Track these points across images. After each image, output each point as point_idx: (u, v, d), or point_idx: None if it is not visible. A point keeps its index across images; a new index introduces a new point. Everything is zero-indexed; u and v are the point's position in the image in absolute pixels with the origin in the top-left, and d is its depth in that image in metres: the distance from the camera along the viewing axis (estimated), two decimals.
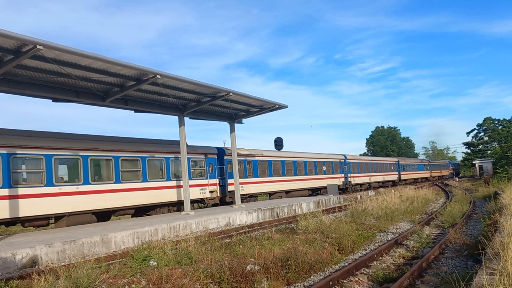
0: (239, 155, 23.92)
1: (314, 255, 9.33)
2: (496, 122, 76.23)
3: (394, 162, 50.45)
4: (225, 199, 23.75)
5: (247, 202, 24.70)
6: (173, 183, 20.24)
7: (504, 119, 75.13)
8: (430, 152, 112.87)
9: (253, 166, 26.08)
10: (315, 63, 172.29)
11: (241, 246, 10.17)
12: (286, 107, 20.49)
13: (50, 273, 7.22)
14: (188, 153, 19.55)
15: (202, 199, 22.35)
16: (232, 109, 19.48)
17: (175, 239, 12.29)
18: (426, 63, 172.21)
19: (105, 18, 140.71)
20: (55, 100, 14.55)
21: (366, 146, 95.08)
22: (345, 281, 7.87)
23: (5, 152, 13.92)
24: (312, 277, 8.39)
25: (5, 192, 13.80)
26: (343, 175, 36.08)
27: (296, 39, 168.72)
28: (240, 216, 17.64)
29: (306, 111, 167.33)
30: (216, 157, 23.70)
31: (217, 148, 24.32)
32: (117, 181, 17.48)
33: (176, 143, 19.82)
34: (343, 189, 35.53)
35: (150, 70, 13.25)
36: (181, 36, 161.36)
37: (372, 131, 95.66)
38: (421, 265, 8.64)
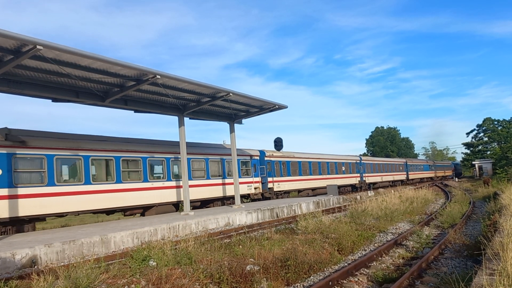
0: (274, 157, 28.66)
1: (313, 255, 9.33)
2: (495, 122, 76.27)
3: (403, 163, 54.04)
4: (265, 195, 27.38)
5: (281, 197, 28.80)
6: (229, 180, 23.56)
7: (504, 119, 75.24)
8: (430, 152, 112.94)
9: (287, 167, 29.70)
10: (314, 63, 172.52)
11: (240, 246, 10.16)
12: (285, 107, 20.50)
13: (50, 273, 7.22)
14: (238, 155, 23.20)
15: (248, 194, 25.87)
16: (232, 109, 19.48)
17: (175, 239, 12.29)
18: (425, 64, 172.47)
19: (105, 18, 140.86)
20: (54, 100, 14.54)
21: (365, 147, 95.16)
22: (344, 282, 7.87)
23: (118, 155, 18.02)
24: (311, 277, 8.39)
25: (118, 186, 17.82)
26: (358, 174, 39.67)
27: (295, 39, 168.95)
28: (239, 217, 17.64)
29: (305, 111, 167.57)
30: (258, 158, 27.14)
31: (259, 150, 27.84)
32: (190, 178, 20.42)
33: (226, 148, 24.81)
34: (359, 187, 39.40)
35: (150, 70, 13.25)
36: (180, 36, 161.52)
37: (371, 132, 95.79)
38: (421, 265, 8.64)
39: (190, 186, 19.52)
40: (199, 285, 7.34)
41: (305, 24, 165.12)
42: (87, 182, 16.48)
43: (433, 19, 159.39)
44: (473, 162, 70.18)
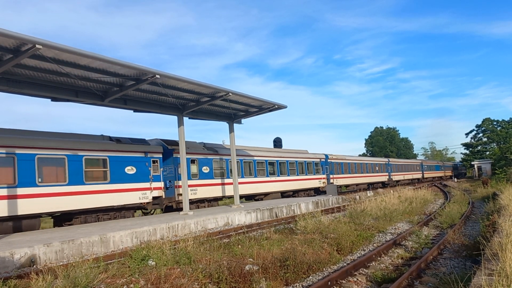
0: (333, 159, 36.53)
1: (312, 255, 9.33)
2: (495, 123, 76.31)
3: (419, 164, 62.93)
4: (325, 189, 33.84)
5: (341, 193, 34.75)
6: (291, 177, 29.74)
7: (503, 120, 75.24)
8: (429, 152, 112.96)
9: (341, 166, 38.15)
10: (314, 63, 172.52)
11: (239, 246, 10.16)
12: (285, 107, 20.50)
13: (48, 273, 7.21)
14: (311, 158, 33.00)
15: (318, 188, 33.21)
16: (231, 109, 19.48)
17: (174, 239, 12.28)
18: (425, 64, 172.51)
19: (104, 18, 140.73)
20: (54, 99, 14.52)
21: (365, 147, 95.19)
22: (343, 282, 7.87)
23: (201, 157, 21.80)
24: (310, 277, 8.39)
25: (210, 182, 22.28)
26: (387, 173, 49.02)
27: (295, 40, 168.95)
28: (239, 216, 17.63)
29: (305, 111, 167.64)
30: (324, 159, 35.17)
31: (324, 154, 35.72)
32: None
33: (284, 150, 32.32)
34: (387, 184, 47.98)
35: (149, 70, 13.25)
36: (180, 36, 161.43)
37: (371, 132, 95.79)
38: (420, 265, 8.64)
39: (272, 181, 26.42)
40: (198, 284, 7.34)
41: (305, 24, 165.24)
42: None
43: (432, 20, 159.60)
44: (472, 163, 70.30)
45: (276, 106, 20.03)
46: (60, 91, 13.87)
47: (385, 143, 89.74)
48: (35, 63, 11.74)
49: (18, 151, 14.44)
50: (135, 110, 17.57)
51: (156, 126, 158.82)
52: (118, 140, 18.76)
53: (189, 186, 19.64)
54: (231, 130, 21.26)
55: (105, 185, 17.22)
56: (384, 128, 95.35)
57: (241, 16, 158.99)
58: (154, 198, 19.39)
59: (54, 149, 15.58)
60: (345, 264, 9.38)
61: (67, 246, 10.92)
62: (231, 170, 22.42)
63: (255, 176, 26.04)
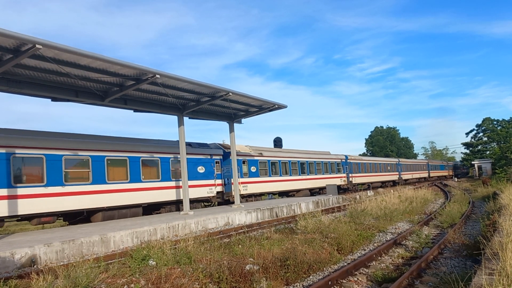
0: (351, 159, 39.95)
1: (313, 255, 9.33)
2: (495, 122, 76.26)
3: (426, 163, 66.85)
4: (343, 186, 37.77)
5: (360, 190, 39.38)
6: (318, 176, 33.58)
7: (503, 119, 75.18)
8: (430, 152, 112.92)
9: (358, 166, 41.62)
10: (314, 63, 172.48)
11: (240, 246, 10.17)
12: (285, 107, 20.49)
13: (49, 273, 7.22)
14: (333, 159, 36.71)
15: (340, 185, 36.14)
16: (231, 109, 19.47)
17: (174, 239, 12.29)
18: (425, 64, 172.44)
19: (105, 17, 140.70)
20: (54, 99, 14.51)
21: (365, 146, 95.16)
22: (344, 281, 7.87)
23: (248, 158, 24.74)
24: (311, 277, 8.39)
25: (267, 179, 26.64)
26: (397, 173, 52.54)
27: (295, 39, 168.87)
28: (239, 216, 17.63)
29: (305, 111, 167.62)
30: (345, 160, 38.48)
31: (345, 155, 39.38)
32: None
33: (320, 152, 36.98)
34: (397, 182, 50.88)
35: (150, 70, 13.24)
36: (180, 36, 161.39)
37: (371, 131, 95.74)
38: (420, 265, 8.64)
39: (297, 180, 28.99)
40: (198, 284, 7.34)
41: (305, 24, 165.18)
42: None
43: (432, 20, 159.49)
44: (473, 162, 70.30)
45: (276, 106, 20.02)
46: (60, 91, 13.86)
47: (385, 142, 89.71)
48: (35, 63, 11.74)
49: (135, 155, 19.07)
50: (135, 110, 17.56)
51: (156, 126, 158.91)
52: (189, 144, 21.96)
53: (241, 183, 24.31)
54: (231, 130, 21.25)
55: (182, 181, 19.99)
56: (384, 127, 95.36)
57: (241, 16, 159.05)
58: (217, 192, 23.32)
59: (152, 153, 19.85)
60: (345, 264, 9.38)
61: (68, 246, 10.93)
62: (272, 170, 27.83)
63: (290, 175, 29.86)
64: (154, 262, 8.48)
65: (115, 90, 14.77)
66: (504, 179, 33.19)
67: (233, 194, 23.52)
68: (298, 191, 30.73)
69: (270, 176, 27.48)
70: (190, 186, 19.56)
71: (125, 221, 16.59)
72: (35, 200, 14.69)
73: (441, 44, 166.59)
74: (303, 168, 31.66)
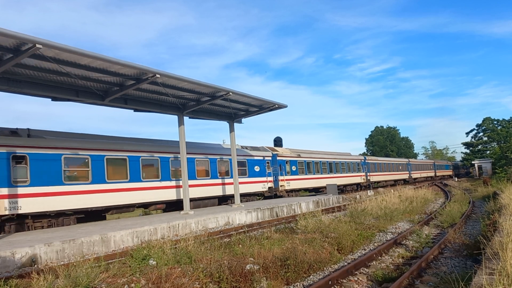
0: (368, 160, 44.61)
1: (313, 254, 9.33)
2: (495, 122, 76.26)
3: (432, 163, 70.66)
4: (363, 184, 42.10)
5: (377, 186, 43.96)
6: (342, 174, 37.90)
7: (503, 119, 75.22)
8: (430, 152, 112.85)
9: (375, 166, 46.08)
10: (314, 63, 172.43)
11: (240, 246, 10.17)
12: (285, 106, 20.49)
13: (50, 272, 7.23)
14: (354, 159, 41.07)
15: (359, 183, 40.67)
16: (231, 108, 19.47)
17: (175, 239, 12.30)
18: (425, 63, 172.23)
19: (105, 17, 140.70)
20: (54, 99, 14.52)
21: (365, 146, 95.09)
22: (344, 281, 7.87)
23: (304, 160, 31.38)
24: (311, 276, 8.39)
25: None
26: (408, 172, 56.52)
27: (295, 39, 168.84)
28: (239, 216, 17.64)
29: (305, 111, 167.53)
30: (363, 160, 42.94)
31: (363, 156, 44.87)
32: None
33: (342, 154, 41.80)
34: (407, 181, 55.22)
35: (150, 70, 13.24)
36: (180, 36, 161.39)
37: (371, 131, 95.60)
38: (420, 265, 8.64)
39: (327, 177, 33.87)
40: (198, 284, 7.34)
41: (305, 24, 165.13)
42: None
43: (432, 19, 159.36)
44: (473, 162, 70.29)
45: (277, 106, 20.02)
46: (61, 90, 13.87)
47: (385, 142, 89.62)
48: (36, 63, 11.74)
49: (211, 157, 23.49)
50: (135, 110, 17.57)
51: (156, 125, 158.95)
52: (246, 148, 27.25)
53: (286, 180, 29.25)
54: (232, 129, 21.25)
55: (246, 178, 25.48)
56: (385, 127, 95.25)
57: (241, 16, 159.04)
58: (268, 188, 27.68)
59: (224, 155, 24.11)
60: (345, 264, 9.38)
61: (68, 245, 10.93)
62: (308, 169, 32.64)
63: (321, 173, 34.64)
64: (155, 262, 8.48)
65: (115, 89, 14.78)
66: (504, 178, 33.16)
67: (280, 189, 28.65)
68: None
69: (306, 174, 32.40)
70: (249, 182, 25.59)
71: (126, 220, 16.60)
72: (154, 191, 19.43)
73: (441, 43, 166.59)
74: (331, 167, 36.46)
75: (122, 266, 8.44)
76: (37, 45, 9.91)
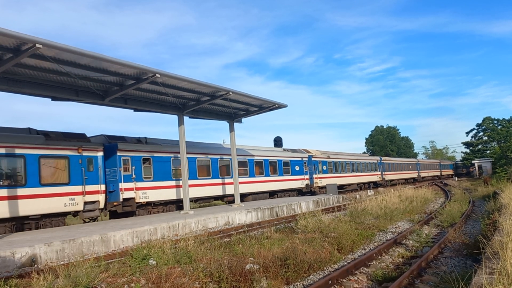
0: (384, 160, 48.74)
1: (313, 254, 9.33)
2: (495, 122, 76.18)
3: (438, 163, 75.78)
4: (381, 182, 46.25)
5: (391, 184, 46.32)
6: (361, 173, 42.26)
7: (504, 119, 75.05)
8: (430, 151, 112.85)
9: (389, 166, 50.09)
10: (314, 62, 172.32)
11: (240, 245, 10.17)
12: (285, 106, 20.49)
13: (49, 272, 7.23)
14: (371, 160, 45.99)
15: (376, 181, 44.67)
16: (231, 108, 19.47)
17: (175, 238, 12.30)
18: (425, 63, 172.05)
19: (105, 17, 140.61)
20: (54, 99, 14.52)
21: (365, 146, 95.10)
22: (344, 280, 7.87)
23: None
24: (311, 276, 8.39)
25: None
26: (417, 171, 60.28)
27: (295, 39, 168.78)
28: (239, 216, 17.64)
29: (305, 111, 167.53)
30: (380, 161, 47.96)
31: (379, 157, 49.44)
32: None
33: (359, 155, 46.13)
34: (416, 180, 58.53)
35: (150, 69, 13.24)
36: (181, 36, 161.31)
37: (371, 131, 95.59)
38: (420, 264, 8.64)
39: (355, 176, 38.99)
40: (198, 284, 7.34)
41: (305, 24, 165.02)
42: None
43: (432, 19, 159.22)
44: (473, 162, 70.27)
45: (277, 105, 20.02)
46: (61, 90, 13.87)
47: (385, 142, 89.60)
48: (35, 63, 11.74)
49: (265, 158, 28.22)
50: (135, 110, 17.57)
51: (156, 125, 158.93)
52: (286, 150, 32.24)
53: (319, 178, 33.46)
54: (232, 129, 21.25)
55: (288, 176, 29.81)
56: (385, 127, 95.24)
57: (241, 16, 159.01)
58: (306, 184, 31.85)
59: (272, 157, 28.78)
60: (345, 263, 9.38)
61: (68, 245, 10.93)
62: (336, 168, 37.02)
63: (346, 172, 38.71)
64: (155, 262, 8.49)
65: (115, 89, 14.77)
66: (504, 178, 33.17)
67: (315, 185, 32.66)
68: (349, 185, 39.28)
69: (334, 173, 36.58)
70: (290, 180, 29.99)
71: (125, 220, 16.60)
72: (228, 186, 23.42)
73: (441, 43, 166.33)
74: (353, 167, 40.69)
75: (122, 266, 8.44)
76: (37, 45, 9.91)
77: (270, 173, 28.04)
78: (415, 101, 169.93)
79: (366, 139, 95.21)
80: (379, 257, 10.00)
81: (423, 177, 62.01)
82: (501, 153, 50.63)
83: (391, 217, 16.44)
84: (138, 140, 19.99)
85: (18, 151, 14.60)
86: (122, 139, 19.39)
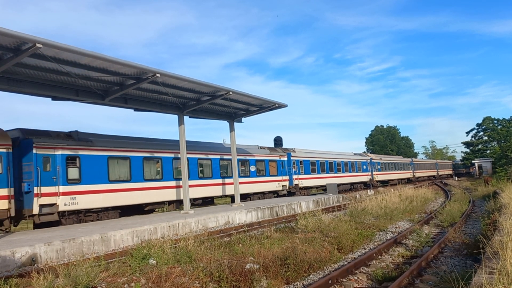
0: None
1: (313, 254, 9.33)
2: (495, 121, 76.21)
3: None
4: (371, 182, 44.64)
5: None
6: (394, 172, 48.89)
7: (504, 118, 75.17)
8: (430, 151, 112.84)
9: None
10: (314, 62, 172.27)
11: (240, 245, 10.18)
12: (285, 106, 20.49)
13: (49, 272, 7.23)
14: (403, 161, 55.09)
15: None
16: (231, 108, 19.47)
17: (175, 238, 12.30)
18: (425, 63, 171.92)
19: (105, 17, 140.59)
20: (54, 98, 14.52)
21: (365, 145, 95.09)
22: (344, 280, 7.88)
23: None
24: (311, 276, 8.40)
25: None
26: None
27: (295, 39, 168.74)
28: (239, 215, 17.64)
29: (305, 110, 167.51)
30: (411, 161, 55.68)
31: (411, 158, 57.75)
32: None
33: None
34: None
35: (150, 69, 13.24)
36: (181, 35, 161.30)
37: (371, 130, 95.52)
38: (420, 264, 8.65)
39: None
40: (199, 283, 7.35)
41: (305, 23, 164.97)
42: None
43: (432, 19, 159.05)
44: (473, 161, 70.28)
45: (277, 105, 20.02)
46: (61, 90, 13.87)
47: (385, 141, 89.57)
48: (36, 62, 11.74)
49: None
50: (135, 109, 17.57)
51: (157, 125, 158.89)
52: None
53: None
54: (232, 129, 21.25)
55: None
56: (385, 126, 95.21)
57: (241, 15, 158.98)
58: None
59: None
60: (345, 263, 9.38)
61: (68, 245, 10.94)
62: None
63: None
64: (155, 261, 8.49)
65: (116, 89, 14.77)
66: (504, 178, 33.18)
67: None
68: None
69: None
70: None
71: (126, 220, 16.59)
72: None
73: (441, 43, 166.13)
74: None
75: (122, 265, 8.45)
76: (37, 45, 9.91)
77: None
78: (415, 100, 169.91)
79: (366, 139, 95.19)
80: (379, 256, 10.01)
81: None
82: (501, 152, 50.66)
83: (391, 217, 16.45)
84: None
85: None
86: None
